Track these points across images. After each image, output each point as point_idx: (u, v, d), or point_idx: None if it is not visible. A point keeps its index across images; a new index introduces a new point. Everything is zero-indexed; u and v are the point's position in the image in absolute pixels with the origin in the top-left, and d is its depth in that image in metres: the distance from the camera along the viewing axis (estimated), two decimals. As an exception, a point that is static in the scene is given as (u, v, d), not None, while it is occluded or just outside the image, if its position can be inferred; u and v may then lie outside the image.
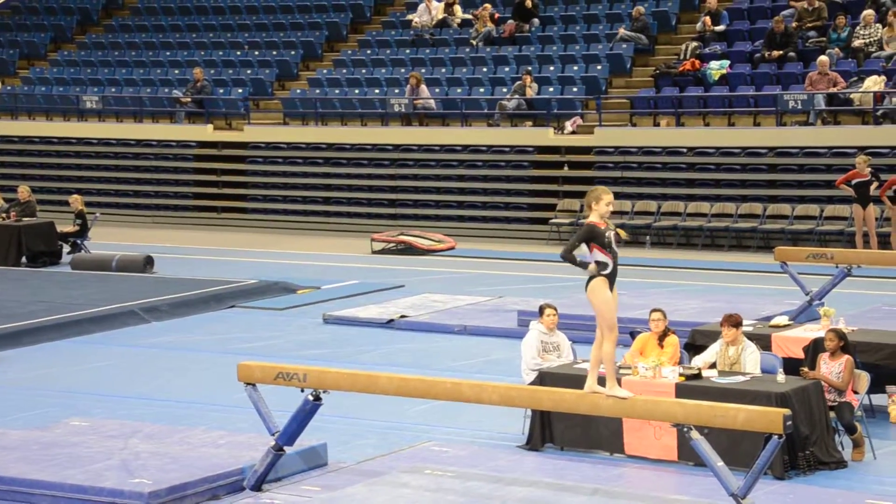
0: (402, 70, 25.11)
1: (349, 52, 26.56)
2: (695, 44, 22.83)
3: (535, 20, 25.14)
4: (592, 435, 10.32)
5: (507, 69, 24.33)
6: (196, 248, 22.37)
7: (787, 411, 7.88)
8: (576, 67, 23.69)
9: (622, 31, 23.80)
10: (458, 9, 26.24)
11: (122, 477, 9.20)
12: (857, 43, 21.47)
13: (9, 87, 28.82)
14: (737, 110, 21.73)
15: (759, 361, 10.48)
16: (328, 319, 15.97)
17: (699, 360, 10.63)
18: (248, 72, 26.69)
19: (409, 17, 26.66)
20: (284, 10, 28.57)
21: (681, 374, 10.05)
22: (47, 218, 21.88)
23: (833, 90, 20.55)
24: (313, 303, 17.01)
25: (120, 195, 26.34)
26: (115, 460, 9.58)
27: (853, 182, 18.87)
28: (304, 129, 25.02)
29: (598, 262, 8.16)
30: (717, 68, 22.11)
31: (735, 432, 8.78)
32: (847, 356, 10.31)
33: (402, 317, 15.72)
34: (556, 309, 11.17)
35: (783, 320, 12.16)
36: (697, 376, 10.08)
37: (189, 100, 26.11)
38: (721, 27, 23.14)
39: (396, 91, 24.54)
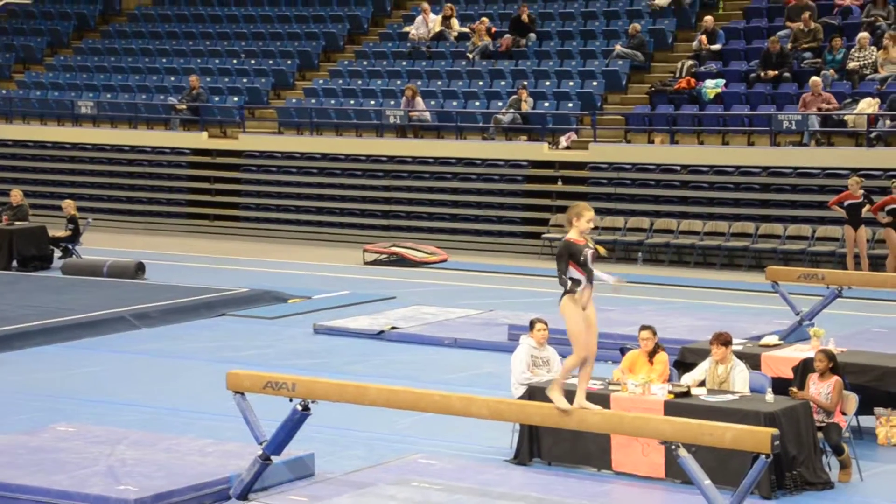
0: (398, 82, 25.14)
1: (345, 62, 26.59)
2: (690, 62, 22.89)
3: (532, 35, 25.19)
4: (580, 450, 10.32)
5: (502, 83, 24.37)
6: (188, 256, 22.35)
7: (774, 431, 7.89)
8: (571, 83, 23.73)
9: (618, 48, 23.86)
10: (455, 22, 26.29)
11: (109, 483, 9.18)
12: (851, 65, 21.54)
13: (4, 91, 28.80)
14: (731, 129, 21.79)
15: (748, 380, 10.49)
16: (319, 329, 15.96)
17: (688, 378, 10.63)
18: (244, 80, 26.71)
19: (406, 29, 26.70)
20: (281, 19, 28.60)
21: (670, 392, 10.05)
22: (39, 222, 21.85)
23: (825, 106, 20.57)
24: (304, 312, 17.00)
25: (113, 201, 26.32)
26: (102, 466, 9.56)
27: (845, 203, 18.92)
28: (299, 139, 25.04)
29: (571, 279, 8.21)
30: (712, 87, 22.16)
31: (723, 451, 8.78)
32: (836, 377, 10.32)
33: (393, 328, 15.71)
34: (546, 324, 11.18)
35: (773, 340, 12.18)
36: (686, 394, 10.08)
37: (184, 107, 26.11)
38: (717, 46, 23.20)
39: (392, 102, 24.57)
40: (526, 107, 23.12)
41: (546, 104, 23.39)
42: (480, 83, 24.64)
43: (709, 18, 23.55)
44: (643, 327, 10.92)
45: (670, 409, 9.72)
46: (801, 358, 11.28)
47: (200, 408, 12.35)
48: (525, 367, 10.91)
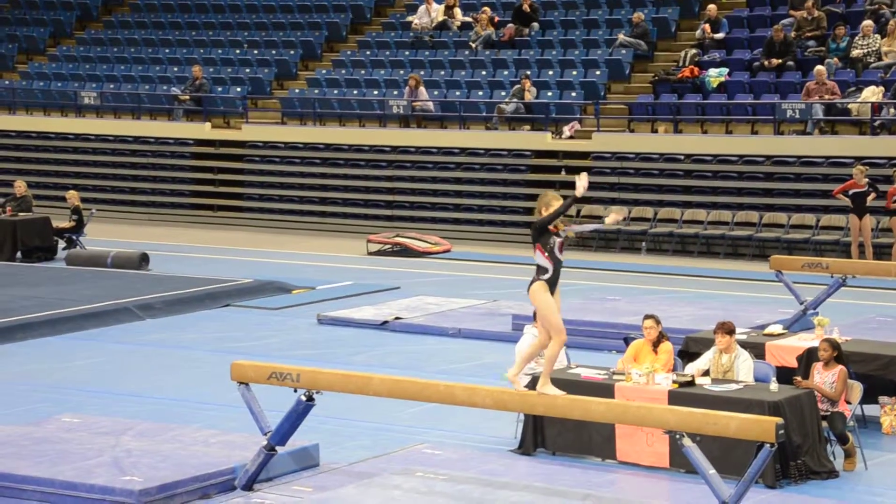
0: (401, 72, 25.11)
1: (348, 52, 26.56)
2: (694, 51, 22.85)
3: (535, 24, 25.16)
4: (584, 440, 10.32)
5: (505, 73, 24.34)
6: (192, 247, 22.36)
7: (779, 420, 7.89)
8: (575, 72, 23.70)
9: (622, 37, 23.82)
10: (458, 11, 26.26)
11: (113, 474, 9.19)
12: (855, 53, 21.51)
13: (7, 82, 28.80)
14: (735, 118, 21.76)
15: (752, 369, 10.49)
16: (322, 320, 15.96)
17: (692, 368, 10.63)
18: (247, 70, 26.69)
19: (409, 18, 26.67)
20: (284, 9, 28.57)
21: (674, 381, 10.05)
22: (43, 213, 21.86)
23: (829, 97, 20.54)
24: (308, 303, 17.00)
25: (116, 192, 26.33)
26: (107, 457, 9.57)
27: (850, 192, 18.90)
28: (302, 129, 25.02)
29: (538, 267, 8.38)
30: (715, 76, 22.13)
31: (727, 440, 8.78)
32: (840, 366, 10.32)
33: (397, 318, 15.71)
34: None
35: (777, 329, 12.17)
36: (691, 383, 10.08)
37: (187, 98, 26.10)
38: (720, 35, 23.16)
39: (395, 92, 24.55)
40: (529, 96, 23.09)
41: (549, 94, 23.36)
42: (483, 73, 24.62)
43: (712, 7, 23.50)
44: (647, 316, 10.92)
45: (674, 398, 9.72)
46: (805, 347, 11.28)
47: (205, 398, 12.36)
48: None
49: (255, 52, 27.28)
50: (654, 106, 22.49)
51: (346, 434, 11.05)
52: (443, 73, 25.00)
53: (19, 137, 27.49)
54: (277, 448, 9.28)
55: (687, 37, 23.99)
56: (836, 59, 21.54)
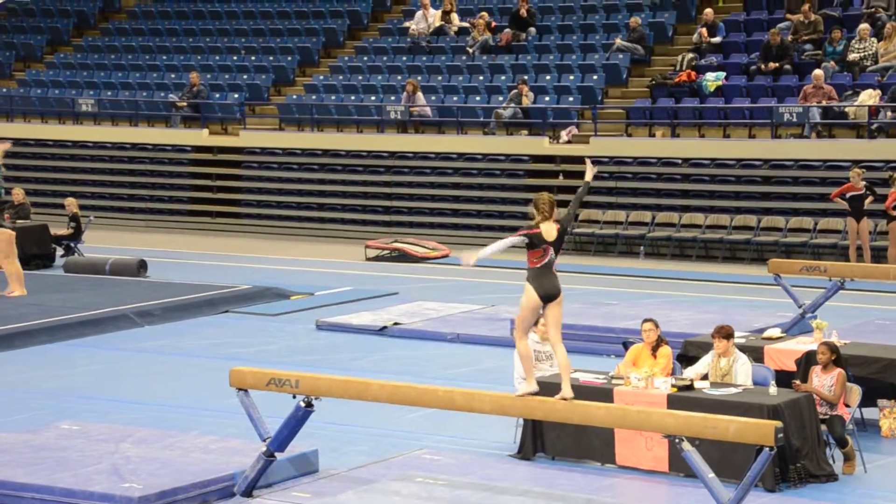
0: (399, 77, 25.13)
1: (346, 58, 26.58)
2: (691, 55, 22.88)
3: (532, 29, 25.18)
4: (584, 445, 10.32)
5: (503, 78, 24.35)
6: (190, 253, 22.36)
7: (778, 424, 7.89)
8: (572, 77, 23.72)
9: (619, 42, 23.84)
10: (455, 17, 26.28)
11: (113, 481, 9.19)
12: (852, 56, 21.53)
13: (4, 90, 28.80)
14: (732, 122, 21.77)
15: (750, 373, 10.49)
16: (321, 326, 15.96)
17: (691, 372, 10.64)
18: (245, 77, 26.70)
19: (406, 24, 26.69)
20: (282, 15, 28.59)
21: (673, 385, 10.06)
22: (41, 221, 21.85)
23: (826, 102, 20.57)
24: (306, 309, 17.00)
25: (114, 199, 26.33)
26: (106, 464, 9.56)
27: (847, 195, 18.91)
28: (300, 135, 25.03)
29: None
30: (712, 80, 22.15)
31: (726, 444, 8.78)
32: (839, 369, 10.32)
33: (396, 324, 15.71)
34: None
35: (776, 332, 12.17)
36: (690, 387, 10.08)
37: (185, 104, 26.11)
38: (717, 39, 23.19)
39: (393, 98, 24.56)
40: (526, 101, 23.11)
41: (546, 98, 23.38)
42: (481, 78, 24.64)
43: (709, 11, 23.54)
44: (645, 321, 10.92)
45: (674, 402, 9.72)
46: (803, 350, 11.28)
47: (204, 405, 12.36)
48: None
49: (253, 58, 27.29)
50: (651, 110, 22.51)
51: (345, 440, 11.05)
52: (440, 78, 25.02)
53: (17, 145, 27.37)
54: (277, 454, 9.28)
55: (684, 41, 24.02)
56: (832, 62, 21.56)
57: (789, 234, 20.35)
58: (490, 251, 8.76)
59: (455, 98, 24.24)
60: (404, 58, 25.93)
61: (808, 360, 10.96)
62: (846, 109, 20.67)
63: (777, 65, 21.93)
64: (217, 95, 26.39)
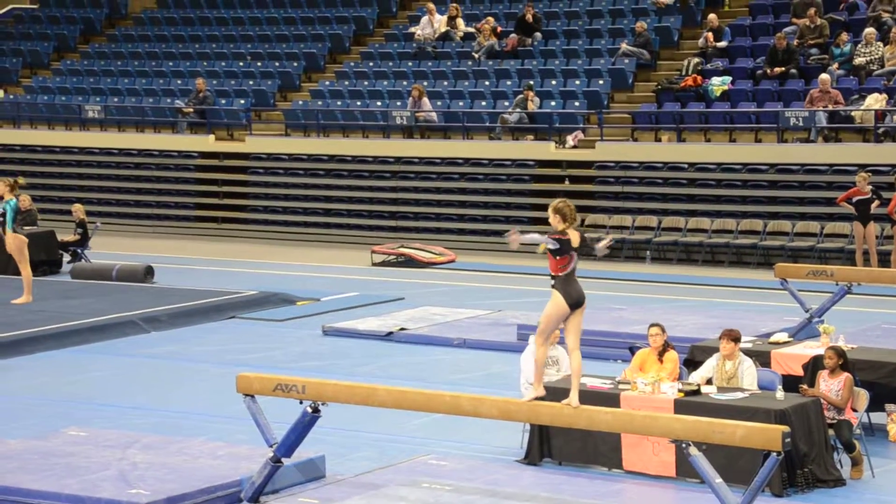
0: (405, 82, 25.14)
1: (352, 63, 26.60)
2: (697, 60, 22.88)
3: (538, 34, 25.19)
4: (590, 450, 10.31)
5: (509, 83, 24.37)
6: (196, 259, 22.37)
7: (785, 428, 7.88)
8: (578, 82, 23.72)
9: (624, 46, 23.84)
10: (460, 22, 26.29)
11: (120, 487, 9.19)
12: (858, 61, 21.52)
13: (11, 96, 28.86)
14: (738, 126, 21.76)
15: (755, 376, 10.49)
16: (327, 331, 15.97)
17: (696, 376, 10.63)
18: (251, 82, 26.74)
19: (412, 29, 26.71)
20: (287, 21, 28.62)
21: (680, 390, 10.05)
22: (48, 227, 21.88)
23: (833, 106, 20.56)
24: (313, 314, 17.00)
25: (121, 205, 26.36)
26: (113, 470, 9.57)
27: (854, 199, 18.89)
28: (306, 141, 25.05)
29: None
30: (718, 84, 22.14)
31: (733, 449, 8.77)
32: (846, 374, 10.31)
33: (402, 329, 15.72)
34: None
35: (783, 337, 12.17)
36: (696, 392, 10.08)
37: (191, 110, 26.15)
38: (723, 43, 23.18)
39: (398, 103, 24.58)
40: (532, 106, 23.11)
41: (552, 103, 23.39)
42: (486, 83, 24.65)
43: (714, 16, 23.53)
44: (652, 325, 10.92)
45: (680, 407, 9.71)
46: (811, 355, 11.27)
47: (211, 411, 12.36)
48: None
49: (259, 64, 27.32)
50: (657, 115, 22.50)
51: (351, 445, 11.05)
52: (446, 83, 25.03)
53: (24, 151, 27.53)
54: (283, 460, 9.28)
55: (690, 45, 24.02)
56: (836, 65, 21.54)
57: (796, 238, 20.32)
58: (529, 239, 8.72)
59: (461, 103, 24.25)
60: (410, 63, 25.95)
61: (815, 365, 10.95)
62: (852, 113, 20.65)
63: (783, 69, 21.92)
64: (223, 101, 26.42)
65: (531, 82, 23.54)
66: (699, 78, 22.43)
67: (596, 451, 10.29)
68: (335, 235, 24.21)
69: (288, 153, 25.12)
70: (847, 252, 19.61)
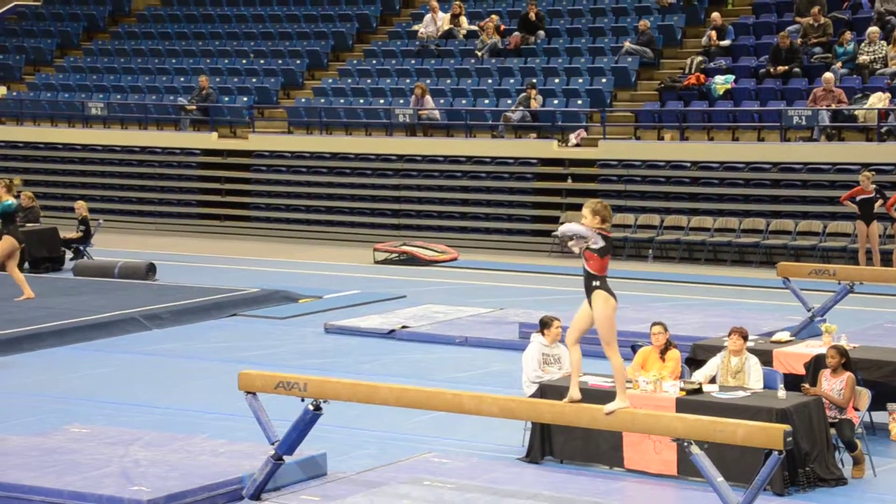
0: (407, 80, 25.14)
1: (354, 61, 26.60)
2: (700, 58, 22.86)
3: (541, 33, 25.18)
4: (592, 448, 10.31)
5: (511, 81, 24.36)
6: (198, 256, 22.38)
7: (787, 427, 7.87)
8: (581, 80, 23.71)
9: (627, 45, 23.83)
10: (463, 20, 26.29)
11: (122, 484, 9.20)
12: (862, 59, 21.50)
13: (14, 93, 28.87)
14: (741, 125, 21.75)
15: (761, 373, 10.51)
16: (329, 329, 15.97)
17: (699, 375, 10.63)
18: (254, 80, 26.73)
19: (415, 27, 26.71)
20: (290, 19, 28.62)
21: (682, 389, 10.04)
22: (51, 224, 21.89)
23: (836, 105, 20.54)
24: (315, 312, 17.01)
25: (124, 202, 26.37)
26: (115, 467, 9.57)
27: (857, 198, 18.88)
28: (309, 139, 25.05)
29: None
30: (721, 83, 22.13)
31: (735, 447, 8.76)
32: (848, 373, 10.31)
33: (404, 327, 15.71)
34: (560, 321, 11.17)
35: (785, 336, 12.16)
36: (698, 391, 10.07)
37: (194, 107, 26.15)
38: (726, 42, 23.17)
39: (401, 101, 24.57)
40: (535, 104, 23.11)
41: (555, 101, 23.38)
42: (490, 81, 24.64)
43: (717, 14, 23.51)
44: (654, 324, 10.92)
45: (682, 406, 9.71)
46: (813, 354, 11.26)
47: (212, 408, 12.37)
48: (536, 366, 10.91)
49: (262, 61, 27.33)
50: (660, 113, 22.49)
51: (353, 443, 11.05)
52: (449, 81, 25.03)
53: (27, 148, 27.55)
54: (285, 457, 9.28)
55: (693, 44, 24.00)
56: (839, 63, 21.52)
57: (798, 237, 20.31)
58: (564, 227, 8.40)
59: (464, 101, 24.24)
60: (413, 61, 25.94)
61: (817, 364, 10.94)
62: (855, 112, 20.64)
63: (786, 68, 21.90)
64: (226, 99, 26.42)
65: (534, 80, 23.53)
66: (702, 76, 22.42)
67: (597, 450, 10.29)
68: (337, 233, 24.21)
69: (291, 151, 25.12)
70: (850, 251, 19.60)
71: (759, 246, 20.51)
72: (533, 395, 10.47)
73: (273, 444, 9.25)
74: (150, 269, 19.51)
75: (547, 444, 10.49)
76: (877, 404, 10.77)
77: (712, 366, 10.68)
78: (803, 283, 14.70)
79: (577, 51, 24.60)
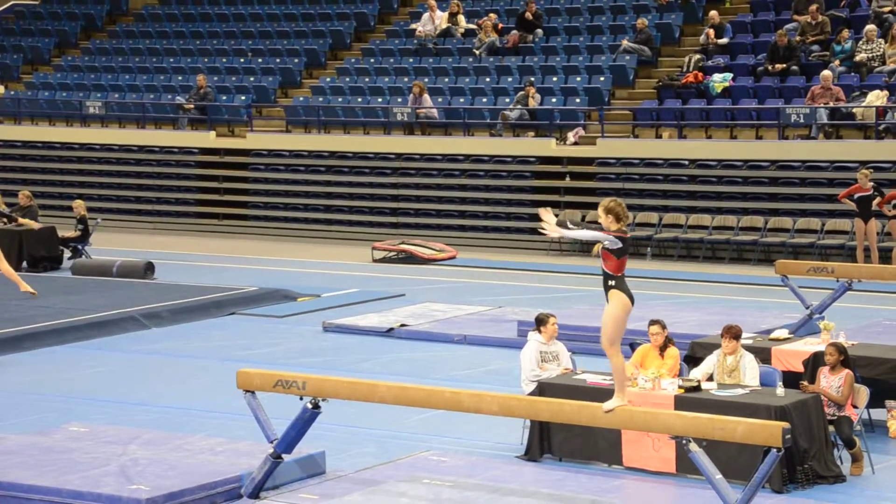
0: (406, 79, 25.14)
1: (352, 60, 26.59)
2: (698, 56, 22.87)
3: (539, 31, 25.18)
4: (591, 446, 10.32)
5: (510, 79, 24.36)
6: (197, 255, 22.38)
7: (786, 425, 7.88)
8: (579, 78, 23.71)
9: (625, 43, 23.83)
10: (461, 18, 26.28)
11: (120, 483, 9.19)
12: (859, 57, 21.50)
13: (12, 92, 28.85)
14: (739, 123, 21.75)
15: (757, 370, 10.50)
16: (328, 327, 15.97)
17: (697, 372, 10.64)
18: (252, 79, 26.73)
19: (413, 26, 26.70)
20: (288, 17, 28.61)
21: (680, 387, 10.05)
22: (49, 223, 21.88)
23: (834, 103, 20.55)
24: (313, 311, 17.01)
25: (122, 201, 26.36)
26: (114, 466, 9.57)
27: (855, 196, 18.89)
28: (307, 137, 25.05)
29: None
30: (719, 81, 22.13)
31: (734, 445, 8.76)
32: (847, 370, 10.31)
33: (402, 326, 15.72)
34: (556, 318, 11.19)
35: (783, 334, 12.16)
36: (697, 388, 10.08)
37: (192, 106, 26.14)
38: (724, 40, 23.17)
39: (399, 100, 24.57)
40: (533, 103, 23.10)
41: (553, 100, 23.37)
42: (487, 80, 24.64)
43: (715, 12, 23.52)
44: (652, 322, 10.92)
45: (681, 403, 9.71)
46: (811, 351, 11.27)
47: (211, 407, 12.37)
48: (535, 364, 10.91)
49: (260, 60, 27.32)
50: (658, 111, 22.50)
51: (352, 441, 11.05)
52: (447, 80, 25.02)
53: (24, 147, 27.53)
54: (284, 456, 9.28)
55: (691, 42, 24.01)
56: (837, 62, 21.52)
57: (796, 235, 20.32)
58: (573, 234, 8.34)
59: (462, 100, 24.24)
60: (411, 60, 25.94)
61: (815, 361, 10.95)
62: (853, 110, 20.64)
63: (784, 66, 21.91)
64: (224, 97, 26.41)
65: (532, 79, 23.53)
66: (700, 74, 22.42)
67: (596, 448, 10.29)
68: (336, 232, 24.21)
69: (289, 149, 25.12)
70: (848, 249, 19.61)
71: (757, 244, 20.52)
72: (532, 393, 10.48)
73: (272, 442, 9.25)
74: (149, 268, 19.51)
75: (546, 442, 10.49)
76: (875, 401, 10.78)
77: (709, 363, 10.68)
78: (802, 281, 14.70)
79: (575, 49, 24.60)
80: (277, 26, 28.39)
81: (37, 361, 14.62)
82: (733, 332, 10.55)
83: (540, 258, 21.51)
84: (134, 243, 23.35)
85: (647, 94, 23.22)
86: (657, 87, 22.90)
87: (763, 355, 11.26)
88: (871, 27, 21.66)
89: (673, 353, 10.82)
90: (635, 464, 10.13)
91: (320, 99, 25.59)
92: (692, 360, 11.38)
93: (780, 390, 9.99)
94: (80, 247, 21.26)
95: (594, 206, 21.73)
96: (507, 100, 23.71)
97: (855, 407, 10.31)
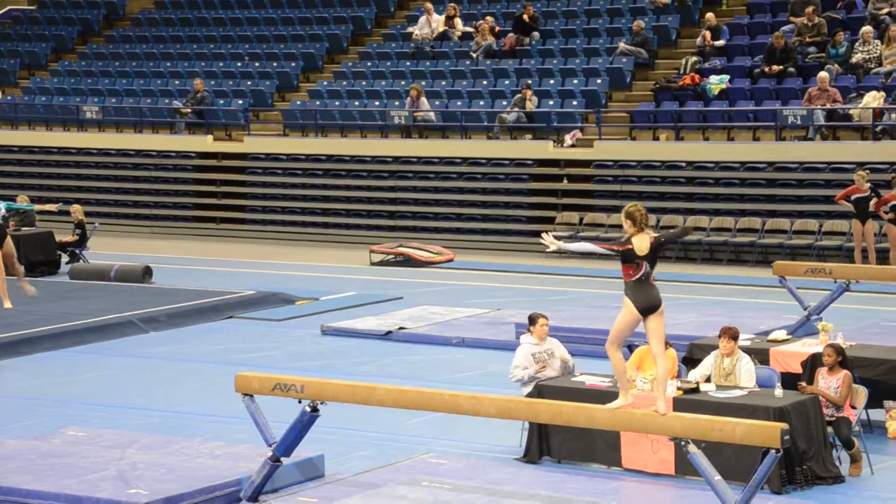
0: (403, 82, 25.15)
1: (350, 63, 26.60)
2: (694, 58, 22.88)
3: (536, 34, 25.20)
4: (590, 448, 10.32)
5: (507, 82, 24.37)
6: (195, 259, 22.38)
7: (784, 426, 7.88)
8: (576, 81, 23.73)
9: (622, 46, 23.85)
10: (458, 22, 26.30)
11: (119, 487, 9.19)
12: (856, 59, 21.52)
13: (9, 97, 28.85)
14: (736, 125, 21.77)
15: (753, 372, 10.50)
16: (326, 331, 15.97)
17: (695, 374, 10.64)
18: (249, 83, 26.73)
19: (410, 29, 26.72)
20: (285, 21, 28.62)
21: (679, 388, 10.05)
22: (46, 228, 21.88)
23: (831, 105, 20.57)
24: (311, 314, 17.01)
25: (119, 205, 26.36)
26: (112, 470, 9.57)
27: (852, 197, 18.89)
28: (304, 141, 25.05)
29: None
30: (716, 83, 22.15)
31: (733, 446, 8.77)
32: (845, 371, 10.31)
33: (401, 329, 15.72)
34: (547, 318, 11.17)
35: (781, 335, 12.16)
36: (695, 390, 10.08)
37: (189, 110, 26.15)
38: (721, 42, 23.19)
39: (396, 103, 24.58)
40: (530, 105, 23.12)
41: (550, 102, 23.39)
42: (484, 82, 24.65)
43: (712, 15, 23.54)
44: (651, 323, 10.89)
45: (679, 405, 9.71)
46: (809, 353, 11.27)
47: (209, 411, 12.36)
48: (528, 367, 10.89)
49: (257, 64, 27.32)
50: (655, 114, 22.51)
51: (350, 444, 11.05)
52: (444, 83, 25.03)
53: (21, 152, 27.53)
54: (283, 459, 9.28)
55: (687, 44, 24.02)
56: (836, 65, 21.54)
57: (794, 236, 20.33)
58: (572, 247, 8.62)
59: (459, 103, 24.25)
60: (408, 63, 25.94)
61: (813, 362, 10.95)
62: (850, 112, 20.66)
63: (781, 67, 21.93)
64: (221, 102, 26.41)
65: (529, 81, 23.54)
66: (697, 77, 22.43)
67: (595, 449, 10.30)
68: (333, 235, 24.21)
69: (286, 153, 25.12)
70: (845, 250, 19.62)
71: (754, 245, 20.53)
72: (530, 395, 10.47)
73: (270, 445, 9.25)
74: (147, 272, 19.51)
75: (544, 444, 10.49)
76: (874, 402, 10.78)
77: (707, 365, 10.68)
78: (799, 282, 14.71)
79: (571, 52, 24.62)
80: (274, 30, 28.40)
81: (35, 366, 14.61)
82: (731, 333, 10.55)
83: (538, 260, 21.51)
84: (132, 247, 23.35)
85: (643, 96, 23.23)
86: (654, 90, 22.92)
87: (761, 356, 11.26)
88: (867, 28, 21.68)
89: (671, 354, 10.80)
90: (634, 465, 10.13)
91: (317, 103, 25.60)
92: (690, 361, 11.39)
93: (779, 391, 9.99)
94: (77, 251, 21.26)
95: (591, 208, 21.97)
96: (504, 103, 23.72)
97: (853, 408, 10.31)
